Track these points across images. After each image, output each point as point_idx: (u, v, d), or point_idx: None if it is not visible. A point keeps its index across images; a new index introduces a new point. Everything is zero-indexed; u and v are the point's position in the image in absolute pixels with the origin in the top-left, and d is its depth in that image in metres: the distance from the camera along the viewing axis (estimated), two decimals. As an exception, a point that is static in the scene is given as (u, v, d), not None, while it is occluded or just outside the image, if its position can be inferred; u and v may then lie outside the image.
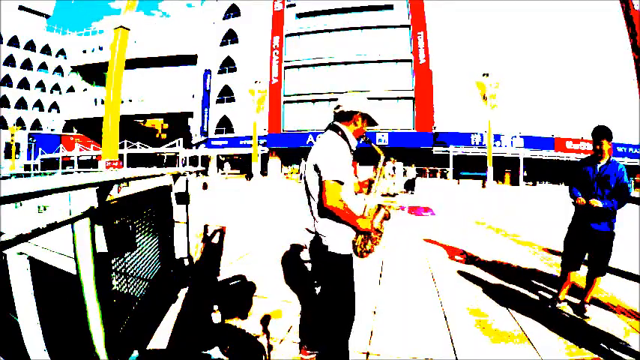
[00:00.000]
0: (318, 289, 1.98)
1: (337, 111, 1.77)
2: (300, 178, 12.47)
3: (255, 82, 24.01)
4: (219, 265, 3.84)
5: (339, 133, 1.73)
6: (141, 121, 45.55)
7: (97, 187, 1.39)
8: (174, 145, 31.67)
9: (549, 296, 2.93)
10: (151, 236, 2.40)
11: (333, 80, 26.30)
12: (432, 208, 8.92)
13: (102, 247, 1.48)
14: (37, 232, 1.00)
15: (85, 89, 42.74)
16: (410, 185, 13.47)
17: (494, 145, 21.64)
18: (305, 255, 4.16)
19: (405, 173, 15.58)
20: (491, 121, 18.92)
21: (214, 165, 29.08)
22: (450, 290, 3.12)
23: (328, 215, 1.64)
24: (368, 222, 1.66)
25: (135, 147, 31.82)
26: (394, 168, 13.53)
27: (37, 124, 39.65)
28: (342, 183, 1.60)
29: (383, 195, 12.01)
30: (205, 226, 5.77)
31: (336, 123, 1.77)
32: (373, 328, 2.42)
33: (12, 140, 31.33)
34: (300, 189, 1.93)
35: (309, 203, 1.76)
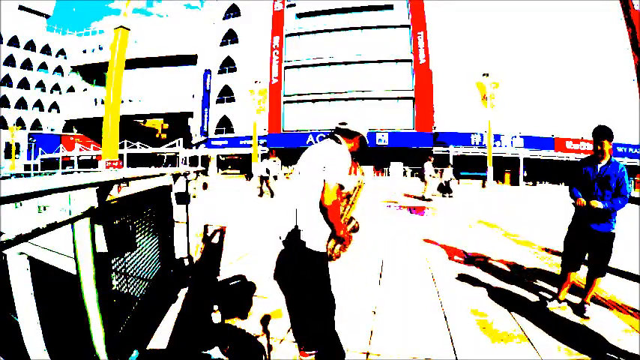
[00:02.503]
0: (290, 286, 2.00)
1: (343, 127, 1.90)
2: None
3: (255, 82, 23.99)
4: (219, 265, 3.84)
5: (341, 145, 1.85)
6: (141, 121, 45.55)
7: (97, 187, 1.39)
8: (174, 145, 31.67)
9: (549, 296, 2.93)
10: (151, 236, 2.40)
11: (333, 80, 26.29)
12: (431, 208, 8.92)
13: (102, 247, 1.48)
14: (37, 232, 1.00)
15: (85, 89, 42.74)
16: (446, 188, 11.80)
17: (494, 145, 21.63)
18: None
19: (439, 173, 13.14)
20: (491, 121, 18.91)
21: (214, 165, 29.08)
22: (449, 290, 3.11)
23: (315, 213, 1.75)
24: (344, 229, 1.84)
25: (135, 147, 31.82)
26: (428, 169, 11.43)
27: (37, 124, 39.65)
28: (342, 188, 1.73)
29: (417, 198, 10.84)
30: (205, 226, 5.76)
31: (337, 135, 1.89)
32: (373, 328, 2.42)
33: (12, 140, 31.33)
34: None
35: (297, 199, 1.82)
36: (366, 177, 2.09)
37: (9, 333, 1.25)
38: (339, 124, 1.92)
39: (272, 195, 10.90)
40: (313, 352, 1.98)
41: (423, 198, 10.75)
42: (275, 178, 13.60)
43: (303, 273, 1.83)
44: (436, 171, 12.12)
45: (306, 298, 1.88)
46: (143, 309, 2.11)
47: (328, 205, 1.67)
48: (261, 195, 11.32)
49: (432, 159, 11.36)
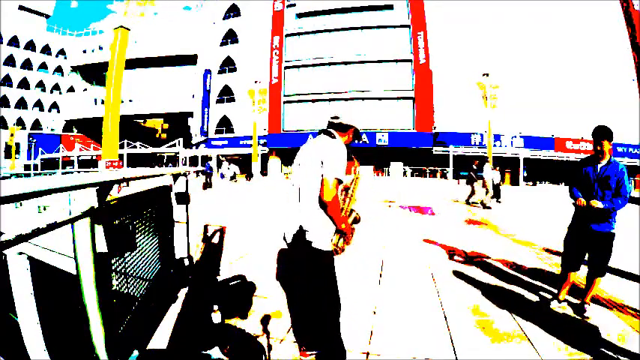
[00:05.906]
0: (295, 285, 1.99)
1: (336, 121, 1.91)
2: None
3: (255, 82, 24.01)
4: (219, 265, 3.84)
5: (337, 139, 1.85)
6: (141, 121, 45.54)
7: (97, 187, 1.39)
8: (174, 145, 31.68)
9: (549, 296, 2.93)
10: (151, 236, 2.40)
11: (333, 80, 26.29)
12: (432, 208, 8.93)
13: (102, 247, 1.48)
14: (37, 232, 1.00)
15: (85, 89, 42.72)
16: (497, 192, 10.39)
17: (494, 145, 21.63)
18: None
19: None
20: (491, 121, 18.92)
21: (214, 165, 29.09)
22: (449, 290, 3.11)
23: (318, 211, 1.75)
24: (346, 222, 1.85)
25: (135, 147, 31.83)
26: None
27: (37, 124, 39.62)
28: (341, 182, 1.74)
29: (473, 205, 9.55)
30: (205, 226, 5.76)
31: (331, 130, 1.90)
32: (373, 328, 2.42)
33: (12, 140, 31.31)
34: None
35: (299, 197, 1.82)
36: (360, 168, 2.08)
37: (9, 333, 1.25)
38: (332, 118, 1.93)
39: (210, 186, 14.47)
40: (314, 352, 1.98)
41: (481, 205, 9.38)
42: (234, 177, 19.41)
43: (311, 273, 1.82)
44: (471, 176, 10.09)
45: (313, 297, 1.86)
46: (143, 309, 2.11)
47: (328, 201, 1.68)
48: (204, 188, 14.43)
49: (497, 167, 9.64)
